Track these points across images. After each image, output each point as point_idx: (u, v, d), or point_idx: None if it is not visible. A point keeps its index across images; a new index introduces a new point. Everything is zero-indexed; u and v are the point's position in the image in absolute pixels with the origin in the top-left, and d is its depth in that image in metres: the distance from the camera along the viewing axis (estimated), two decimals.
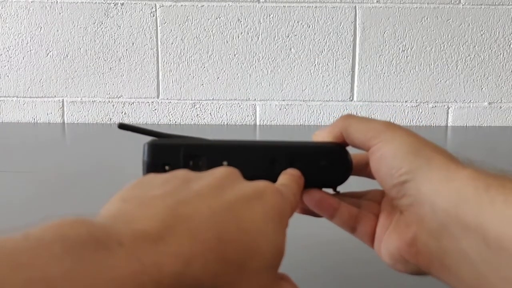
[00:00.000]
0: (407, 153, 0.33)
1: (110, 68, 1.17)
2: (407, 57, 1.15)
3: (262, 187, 0.30)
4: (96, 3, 1.14)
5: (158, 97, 1.18)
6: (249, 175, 0.37)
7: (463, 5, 1.14)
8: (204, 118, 1.18)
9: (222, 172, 0.31)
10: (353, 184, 0.39)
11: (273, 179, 0.37)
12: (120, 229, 0.22)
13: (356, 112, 1.17)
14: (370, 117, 1.15)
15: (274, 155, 0.37)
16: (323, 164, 0.37)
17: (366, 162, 0.37)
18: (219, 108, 1.18)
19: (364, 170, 0.38)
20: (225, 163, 0.36)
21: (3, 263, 0.18)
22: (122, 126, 0.39)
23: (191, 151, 0.36)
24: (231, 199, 0.27)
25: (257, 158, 0.37)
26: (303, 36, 1.15)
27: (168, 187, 0.28)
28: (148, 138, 0.39)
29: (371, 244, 0.37)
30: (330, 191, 0.39)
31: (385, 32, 1.15)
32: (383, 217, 0.37)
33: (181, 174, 0.30)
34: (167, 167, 0.36)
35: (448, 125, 1.18)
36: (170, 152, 0.36)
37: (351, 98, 1.17)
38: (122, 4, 1.15)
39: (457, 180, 0.31)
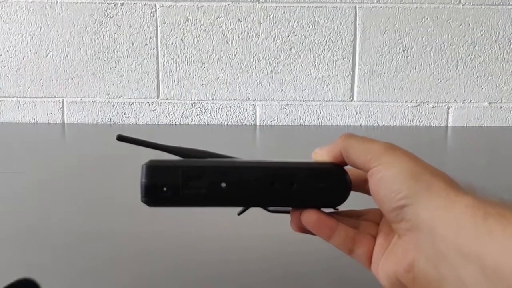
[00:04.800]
0: (407, 178, 0.33)
1: (110, 68, 1.17)
2: (407, 57, 1.15)
3: None
4: (96, 3, 1.14)
5: (158, 97, 1.18)
6: (248, 196, 0.37)
7: (463, 5, 1.14)
8: (204, 118, 1.18)
9: None
10: (352, 198, 0.39)
11: (272, 200, 0.37)
12: None
13: (356, 112, 1.17)
14: (370, 117, 1.16)
15: (273, 176, 0.37)
16: (322, 185, 0.37)
17: (365, 178, 0.36)
18: (219, 108, 1.18)
19: (363, 187, 0.38)
20: (223, 184, 0.36)
21: None
22: (121, 138, 0.39)
23: (189, 173, 0.36)
24: None
25: (256, 179, 0.37)
26: (303, 36, 1.15)
27: None
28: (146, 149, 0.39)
29: (368, 266, 0.37)
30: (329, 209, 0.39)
31: (385, 32, 1.14)
32: (381, 239, 0.37)
33: None
34: (165, 188, 0.36)
35: (448, 125, 1.18)
36: (168, 173, 0.36)
37: (351, 98, 1.17)
38: (122, 4, 1.14)
39: (456, 208, 0.31)
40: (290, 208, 0.38)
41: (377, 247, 0.37)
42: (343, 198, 0.38)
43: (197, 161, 0.38)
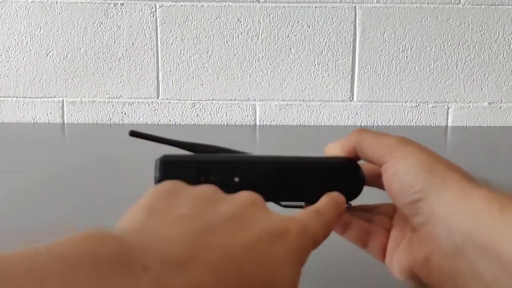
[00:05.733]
0: (421, 171, 0.33)
1: (110, 68, 1.17)
2: (407, 57, 1.15)
3: (286, 225, 0.28)
4: (96, 3, 1.14)
5: (158, 97, 1.18)
6: (261, 191, 0.37)
7: (463, 5, 1.14)
8: (204, 118, 1.18)
9: (248, 199, 0.30)
10: (365, 192, 0.39)
11: (285, 194, 0.37)
12: (146, 251, 0.22)
13: (356, 112, 1.17)
14: (370, 117, 1.16)
15: (286, 170, 0.37)
16: (335, 180, 0.37)
17: (378, 173, 0.36)
18: (219, 108, 1.18)
19: (376, 181, 0.38)
20: (236, 179, 0.36)
21: (29, 280, 0.17)
22: (134, 134, 0.39)
23: (203, 168, 0.36)
24: (255, 236, 0.27)
25: (269, 174, 0.37)
26: (303, 36, 1.15)
27: (195, 205, 0.27)
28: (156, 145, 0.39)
29: (382, 259, 0.37)
30: None
31: (385, 32, 1.15)
32: (395, 233, 0.37)
33: (208, 192, 0.30)
34: None
35: (448, 125, 1.18)
36: (182, 168, 0.36)
37: (351, 98, 1.17)
38: (122, 4, 1.15)
39: (471, 201, 0.30)
40: (303, 203, 0.38)
41: (391, 241, 0.37)
42: (356, 192, 0.38)
43: (210, 155, 0.38)
